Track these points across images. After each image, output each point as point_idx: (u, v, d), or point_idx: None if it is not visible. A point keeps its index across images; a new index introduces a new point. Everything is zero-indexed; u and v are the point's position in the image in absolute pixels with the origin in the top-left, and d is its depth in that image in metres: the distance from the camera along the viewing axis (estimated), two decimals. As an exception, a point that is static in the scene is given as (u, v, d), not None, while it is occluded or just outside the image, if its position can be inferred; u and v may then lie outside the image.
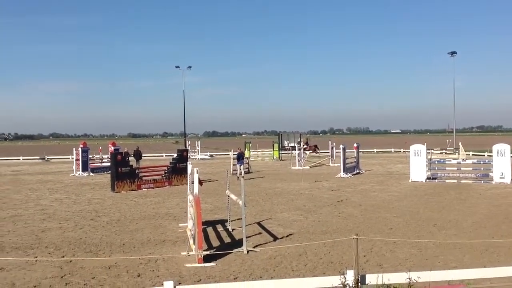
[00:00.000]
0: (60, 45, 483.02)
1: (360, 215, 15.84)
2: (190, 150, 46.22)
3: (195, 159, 50.78)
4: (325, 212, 16.58)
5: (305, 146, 52.90)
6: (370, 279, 7.38)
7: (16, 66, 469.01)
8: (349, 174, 29.70)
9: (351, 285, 7.20)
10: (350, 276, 7.21)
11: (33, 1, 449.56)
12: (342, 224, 14.34)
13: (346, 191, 22.38)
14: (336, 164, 37.22)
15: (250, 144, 49.47)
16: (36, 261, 10.47)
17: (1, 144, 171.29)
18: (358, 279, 7.28)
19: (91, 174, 34.41)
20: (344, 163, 30.02)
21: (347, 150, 31.27)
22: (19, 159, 59.17)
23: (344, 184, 25.40)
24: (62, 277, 9.29)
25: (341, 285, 7.19)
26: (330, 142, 43.39)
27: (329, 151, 42.52)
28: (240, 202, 11.42)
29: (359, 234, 8.00)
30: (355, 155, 33.28)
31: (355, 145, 33.79)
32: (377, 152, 62.72)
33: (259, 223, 14.60)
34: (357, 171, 31.98)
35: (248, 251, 10.97)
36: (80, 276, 9.30)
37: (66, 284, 8.85)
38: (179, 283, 8.24)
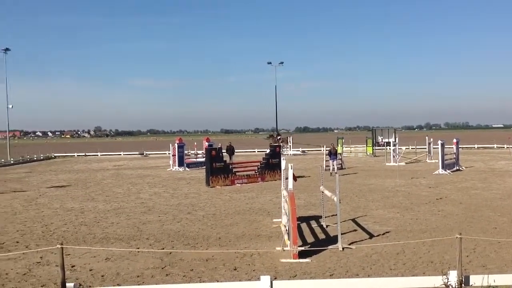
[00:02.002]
0: (156, 43, 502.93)
1: (461, 214, 15.12)
2: (282, 145, 46.42)
3: (287, 154, 50.91)
4: (423, 210, 15.99)
5: (279, 138, 52.57)
6: (475, 280, 7.03)
7: (117, 64, 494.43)
8: (448, 171, 28.49)
9: (454, 286, 6.90)
10: (453, 277, 6.91)
11: (133, 2, 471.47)
12: (442, 223, 13.75)
13: (445, 188, 21.47)
14: (433, 161, 35.89)
15: (343, 140, 48.84)
16: (138, 252, 10.93)
17: (102, 140, 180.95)
18: (462, 280, 6.96)
19: (187, 169, 35.45)
20: (443, 159, 28.83)
21: (445, 146, 30.01)
22: (120, 154, 62.28)
23: (443, 181, 24.39)
24: (162, 268, 9.62)
25: (443, 286, 6.91)
26: (427, 137, 41.86)
27: (426, 147, 41.07)
28: (335, 199, 11.27)
29: (460, 233, 7.61)
30: (455, 151, 31.86)
31: (454, 140, 32.34)
32: (478, 148, 59.73)
33: (353, 220, 14.35)
34: (457, 167, 30.60)
35: (343, 248, 10.80)
36: (179, 268, 9.59)
37: (167, 275, 9.16)
38: (275, 278, 8.26)
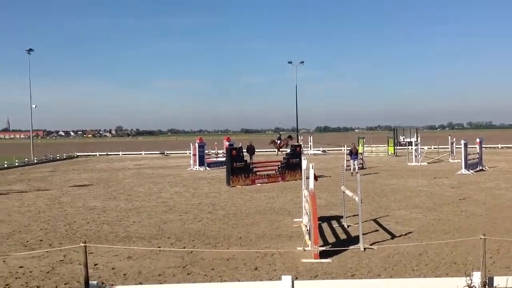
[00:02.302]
0: (177, 43, 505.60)
1: (485, 214, 14.91)
2: (302, 145, 46.29)
3: (308, 154, 50.75)
4: (446, 210, 15.81)
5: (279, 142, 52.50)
6: (499, 281, 6.92)
7: (139, 64, 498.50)
8: (471, 171, 28.12)
9: (477, 287, 6.80)
10: (476, 278, 6.81)
11: (159, 3, 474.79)
12: (465, 224, 13.58)
13: (468, 188, 21.20)
14: (456, 160, 35.47)
15: (364, 139, 48.54)
16: (159, 251, 10.99)
17: (124, 140, 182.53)
18: (486, 281, 6.86)
19: (207, 168, 35.55)
20: (466, 159, 28.45)
21: (468, 146, 29.61)
22: (141, 153, 62.74)
23: (466, 181, 24.08)
24: (184, 267, 9.67)
25: (467, 287, 6.81)
26: (449, 137, 41.38)
27: (449, 146, 40.60)
28: (356, 198, 11.20)
29: (484, 234, 7.50)
30: (478, 151, 31.42)
31: (477, 140, 31.91)
32: (501, 147, 58.84)
33: (375, 220, 14.25)
34: (480, 167, 30.18)
35: (365, 248, 10.73)
36: (200, 267, 9.62)
37: (188, 274, 9.20)
38: (296, 278, 8.23)
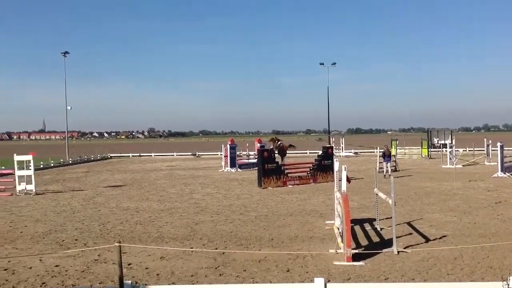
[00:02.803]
0: (210, 45, 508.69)
1: (522, 218, 14.55)
2: (334, 147, 46.03)
3: (340, 156, 50.43)
4: (482, 214, 15.47)
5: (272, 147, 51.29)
6: (537, 287, 6.72)
7: (171, 66, 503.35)
8: (508, 174, 27.48)
9: (514, 293, 6.64)
10: (514, 283, 6.64)
11: (184, 6, 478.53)
12: (502, 227, 13.27)
13: (505, 192, 20.72)
14: (492, 163, 34.71)
15: (397, 141, 48.00)
16: (192, 251, 11.06)
17: (156, 141, 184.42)
18: (523, 287, 6.68)
19: (239, 170, 35.65)
20: (502, 162, 27.84)
21: (505, 148, 28.97)
22: (173, 155, 63.34)
23: (502, 184, 23.55)
24: (216, 268, 9.70)
25: (504, 292, 6.65)
26: (485, 139, 40.58)
27: (484, 149, 39.80)
28: (390, 201, 11.06)
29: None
30: (514, 153, 30.73)
31: (514, 142, 31.21)
32: (539, 150, 57.37)
33: (409, 223, 14.04)
34: (517, 170, 29.49)
35: (398, 252, 10.59)
36: (232, 268, 9.64)
37: (220, 275, 9.22)
38: (329, 281, 8.17)
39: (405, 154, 49.53)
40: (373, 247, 11.12)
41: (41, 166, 41.16)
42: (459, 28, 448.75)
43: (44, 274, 9.45)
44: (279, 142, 51.46)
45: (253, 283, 8.55)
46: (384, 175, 27.49)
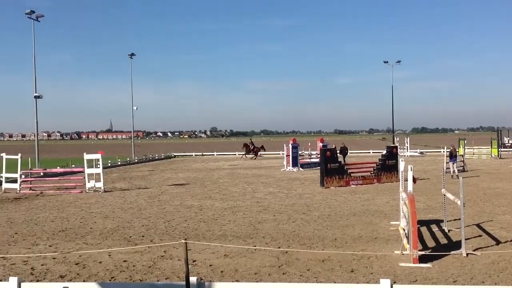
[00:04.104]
0: (271, 45, 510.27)
1: None
2: (398, 146, 45.05)
3: (404, 156, 49.29)
4: (558, 216, 14.72)
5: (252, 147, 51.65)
6: None
7: (233, 66, 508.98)
8: None
9: None
10: None
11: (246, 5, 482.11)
12: None
13: None
14: None
15: (465, 141, 46.40)
16: (255, 249, 11.11)
17: (218, 140, 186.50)
18: None
19: (301, 169, 35.51)
20: None
21: None
22: (235, 154, 63.88)
23: None
24: (279, 266, 9.70)
25: None
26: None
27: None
28: (458, 202, 10.70)
29: None
30: None
31: None
32: None
33: (478, 225, 13.54)
34: None
35: (467, 254, 10.22)
36: (295, 267, 9.61)
37: (283, 273, 9.22)
38: (395, 282, 7.99)
39: (473, 154, 47.85)
40: (441, 249, 10.80)
41: (109, 164, 42.50)
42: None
43: (113, 269, 9.76)
44: (252, 146, 52.36)
45: (317, 282, 8.48)
46: (452, 176, 26.64)
